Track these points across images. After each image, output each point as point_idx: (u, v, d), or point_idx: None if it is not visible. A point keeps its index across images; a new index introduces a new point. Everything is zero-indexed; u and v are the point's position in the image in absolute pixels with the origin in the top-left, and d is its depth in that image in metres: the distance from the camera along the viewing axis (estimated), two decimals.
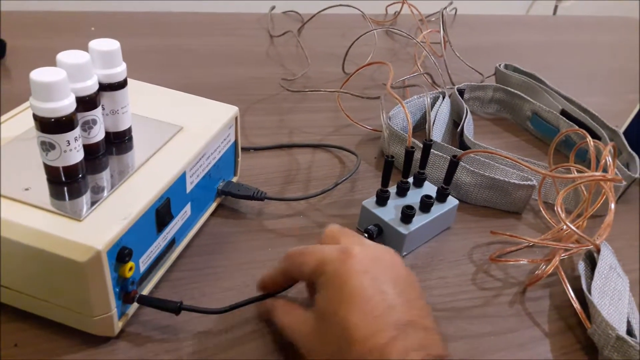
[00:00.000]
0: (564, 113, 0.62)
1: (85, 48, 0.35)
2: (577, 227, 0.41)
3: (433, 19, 0.95)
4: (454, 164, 0.44)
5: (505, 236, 0.46)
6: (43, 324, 0.34)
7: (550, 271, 0.41)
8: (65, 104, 0.31)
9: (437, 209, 0.44)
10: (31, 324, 0.34)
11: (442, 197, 0.45)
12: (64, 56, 0.33)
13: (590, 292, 0.39)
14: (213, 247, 0.42)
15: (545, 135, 0.63)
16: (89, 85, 0.34)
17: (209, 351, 0.34)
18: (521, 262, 0.44)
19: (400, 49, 0.83)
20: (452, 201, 0.46)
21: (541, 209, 0.49)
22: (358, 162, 0.53)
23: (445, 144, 0.52)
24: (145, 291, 0.36)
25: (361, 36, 0.69)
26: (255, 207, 0.47)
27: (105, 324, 0.33)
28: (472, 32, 0.94)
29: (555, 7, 1.98)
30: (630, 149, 0.56)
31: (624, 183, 0.51)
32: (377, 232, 0.43)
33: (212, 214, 0.45)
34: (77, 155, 0.34)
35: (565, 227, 0.46)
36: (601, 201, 0.46)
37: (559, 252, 0.43)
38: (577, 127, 0.58)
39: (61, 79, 0.31)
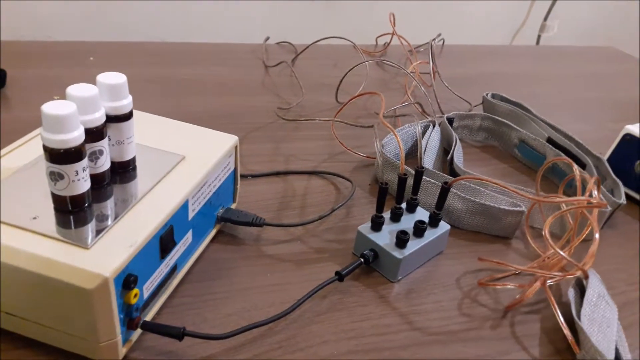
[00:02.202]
0: (550, 141, 0.64)
1: (83, 77, 0.36)
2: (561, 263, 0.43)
3: (422, 49, 0.98)
4: (445, 190, 0.45)
5: (493, 263, 0.47)
6: (48, 351, 0.35)
7: (530, 295, 0.43)
8: (75, 136, 0.33)
9: (430, 234, 0.46)
10: (36, 352, 0.35)
11: (434, 222, 0.47)
12: (73, 89, 0.34)
13: (579, 319, 0.40)
14: (213, 273, 0.43)
15: (533, 162, 0.65)
16: (97, 118, 0.35)
17: None
18: (508, 286, 0.45)
19: (391, 78, 0.86)
20: (444, 226, 0.47)
21: (528, 237, 0.50)
22: (353, 188, 0.54)
23: (437, 171, 0.54)
24: (148, 317, 0.37)
25: (353, 67, 0.71)
26: (254, 233, 0.48)
27: (110, 350, 0.33)
28: (459, 62, 0.97)
29: (538, 37, 2.05)
30: (614, 176, 0.58)
31: (609, 208, 0.53)
32: (373, 257, 0.44)
33: (212, 240, 0.46)
34: (84, 185, 0.35)
35: (551, 255, 0.48)
36: (587, 231, 0.48)
37: (541, 279, 0.44)
38: (563, 156, 0.61)
39: (71, 112, 0.32)
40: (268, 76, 0.80)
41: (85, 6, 1.46)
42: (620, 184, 0.57)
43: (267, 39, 0.92)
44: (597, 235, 0.44)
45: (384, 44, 0.98)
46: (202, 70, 0.79)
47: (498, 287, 0.45)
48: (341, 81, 0.72)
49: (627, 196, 0.60)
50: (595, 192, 0.47)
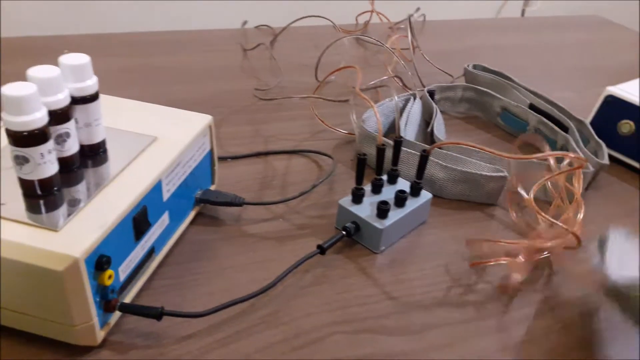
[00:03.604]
0: (532, 107, 0.64)
1: None
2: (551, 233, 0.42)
3: (402, 26, 0.97)
4: (424, 158, 0.45)
5: (482, 240, 0.46)
6: (25, 339, 0.34)
7: (520, 279, 0.42)
8: (37, 117, 0.32)
9: (412, 203, 0.45)
10: (13, 339, 0.34)
11: (415, 191, 0.46)
12: (34, 71, 0.34)
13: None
14: (193, 255, 0.42)
15: (516, 130, 0.64)
16: (61, 99, 0.34)
17: (193, 354, 0.35)
18: (501, 261, 0.44)
19: (371, 56, 0.85)
20: (425, 195, 0.47)
21: (509, 203, 0.49)
22: (334, 164, 0.54)
23: (417, 142, 0.53)
24: (127, 300, 0.37)
25: (332, 44, 0.70)
26: (234, 213, 0.47)
27: (86, 333, 0.33)
28: (441, 37, 0.96)
29: (523, 12, 2.03)
30: (597, 138, 0.58)
31: (592, 169, 0.53)
32: (355, 229, 0.44)
33: (192, 223, 0.46)
34: (51, 168, 0.34)
35: (539, 226, 0.47)
36: (574, 205, 0.48)
37: (527, 249, 0.43)
38: (545, 120, 0.60)
39: (32, 93, 0.31)
40: (247, 60, 0.79)
41: (59, 4, 1.45)
42: (603, 145, 0.56)
43: (245, 22, 0.91)
44: (580, 216, 0.43)
45: (364, 22, 0.97)
46: (179, 58, 0.78)
47: (488, 264, 0.44)
48: (319, 59, 0.71)
49: (611, 157, 0.60)
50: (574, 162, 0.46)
